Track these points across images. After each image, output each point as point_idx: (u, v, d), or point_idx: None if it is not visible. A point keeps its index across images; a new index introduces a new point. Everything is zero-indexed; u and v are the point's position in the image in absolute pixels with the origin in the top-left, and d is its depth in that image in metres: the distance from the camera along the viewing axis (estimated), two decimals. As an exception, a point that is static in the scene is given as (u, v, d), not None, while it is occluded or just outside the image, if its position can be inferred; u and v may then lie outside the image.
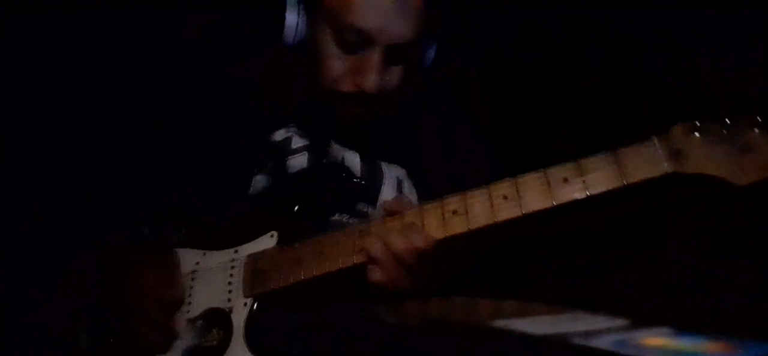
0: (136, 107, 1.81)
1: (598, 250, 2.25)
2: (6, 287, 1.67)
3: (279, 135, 1.62)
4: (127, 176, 1.65)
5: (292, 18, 1.51)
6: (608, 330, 1.80)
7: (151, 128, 1.68)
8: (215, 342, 1.42)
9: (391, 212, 1.31)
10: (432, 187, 1.28)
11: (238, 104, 1.63)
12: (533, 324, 1.80)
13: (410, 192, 1.64)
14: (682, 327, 1.78)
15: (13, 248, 1.72)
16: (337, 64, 1.48)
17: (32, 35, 2.04)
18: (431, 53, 1.58)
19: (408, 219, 1.28)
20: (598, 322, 1.82)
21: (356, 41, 1.44)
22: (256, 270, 1.44)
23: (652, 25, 2.19)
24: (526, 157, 1.51)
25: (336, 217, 1.55)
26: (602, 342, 1.78)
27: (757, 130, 1.05)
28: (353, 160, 1.61)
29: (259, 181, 1.61)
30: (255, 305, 1.42)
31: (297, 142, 1.62)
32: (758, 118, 1.05)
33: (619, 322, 1.82)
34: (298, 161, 1.60)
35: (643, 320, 1.82)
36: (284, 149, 1.61)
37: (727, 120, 1.08)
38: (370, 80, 1.44)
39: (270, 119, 1.63)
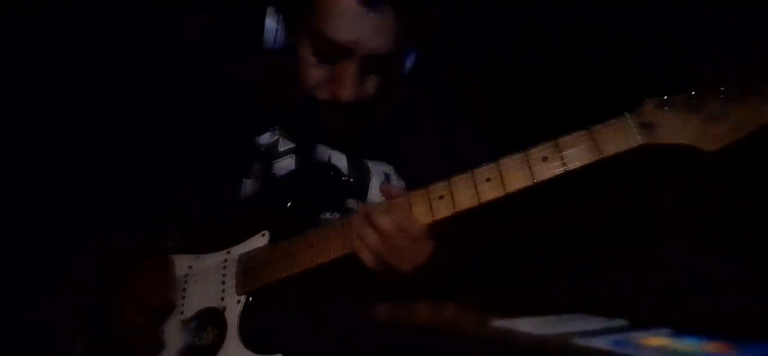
0: (135, 107, 1.82)
1: (596, 250, 2.25)
2: (6, 287, 1.67)
3: (265, 138, 1.64)
4: (127, 177, 1.66)
5: (272, 24, 1.53)
6: (607, 330, 1.81)
7: (150, 129, 1.69)
8: (209, 341, 1.43)
9: (387, 195, 1.35)
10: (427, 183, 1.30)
11: (226, 107, 1.64)
12: (532, 325, 1.80)
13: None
14: (681, 327, 1.78)
15: (13, 248, 1.73)
16: (314, 72, 1.49)
17: (32, 35, 2.05)
18: (411, 61, 1.58)
19: (393, 202, 1.31)
20: (598, 322, 1.82)
21: (333, 52, 1.45)
22: (248, 268, 1.45)
23: (652, 25, 2.19)
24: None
25: (327, 215, 1.56)
26: (602, 342, 1.78)
27: (722, 98, 1.12)
28: (339, 159, 1.62)
29: (249, 184, 1.61)
30: (249, 301, 1.43)
31: (283, 144, 1.63)
32: (722, 88, 1.12)
33: (618, 322, 1.82)
34: (286, 164, 1.61)
35: (641, 320, 1.82)
36: (271, 152, 1.62)
37: (693, 93, 1.15)
38: (346, 90, 1.45)
39: (256, 122, 1.64)
